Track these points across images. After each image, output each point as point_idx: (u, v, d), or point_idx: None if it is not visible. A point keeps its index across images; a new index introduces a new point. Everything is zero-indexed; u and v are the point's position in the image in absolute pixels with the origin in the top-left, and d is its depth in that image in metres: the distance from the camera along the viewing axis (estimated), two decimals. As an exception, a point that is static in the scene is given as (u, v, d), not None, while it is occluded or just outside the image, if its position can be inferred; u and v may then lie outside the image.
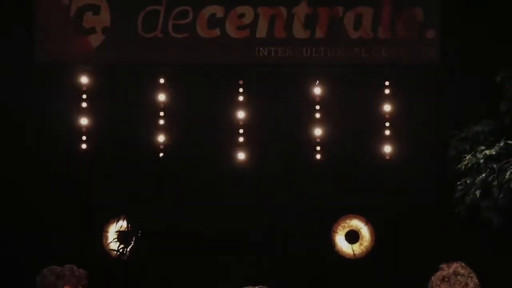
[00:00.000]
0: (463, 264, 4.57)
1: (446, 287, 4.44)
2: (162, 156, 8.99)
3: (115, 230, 9.22)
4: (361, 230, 9.36)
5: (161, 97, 9.02)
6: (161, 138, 9.01)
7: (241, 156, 9.02)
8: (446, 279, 4.43)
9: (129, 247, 9.11)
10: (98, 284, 4.66)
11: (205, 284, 8.71)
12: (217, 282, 8.59)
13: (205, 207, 8.88)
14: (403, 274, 8.42)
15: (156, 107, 8.99)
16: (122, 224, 9.19)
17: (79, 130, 8.91)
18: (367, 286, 8.69)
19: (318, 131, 9.02)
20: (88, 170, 8.86)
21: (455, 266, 4.53)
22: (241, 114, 9.04)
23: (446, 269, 4.52)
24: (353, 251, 9.34)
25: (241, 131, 9.04)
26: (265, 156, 8.98)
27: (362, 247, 9.34)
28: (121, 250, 9.13)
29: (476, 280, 4.50)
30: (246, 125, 9.02)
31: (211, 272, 8.79)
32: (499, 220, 7.20)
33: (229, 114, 9.02)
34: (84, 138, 8.94)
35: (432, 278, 4.56)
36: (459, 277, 4.43)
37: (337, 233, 9.36)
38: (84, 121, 8.93)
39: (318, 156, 9.06)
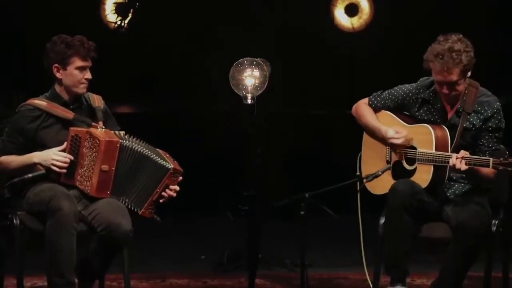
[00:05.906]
0: (461, 36, 4.45)
1: (439, 65, 4.37)
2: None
3: (113, 2, 9.17)
4: (361, 3, 9.29)
5: None
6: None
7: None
8: (440, 56, 4.34)
9: (127, 19, 9.12)
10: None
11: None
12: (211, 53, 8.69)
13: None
14: (401, 48, 8.52)
15: None
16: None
17: None
18: (363, 59, 8.74)
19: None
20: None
21: (452, 40, 4.43)
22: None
23: (443, 43, 4.42)
24: (352, 24, 9.32)
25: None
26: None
27: (361, 21, 9.31)
28: (119, 22, 9.13)
29: (472, 54, 4.43)
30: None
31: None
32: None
33: None
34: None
35: (428, 50, 4.45)
36: (453, 54, 4.32)
37: (336, 6, 9.31)
38: None
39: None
